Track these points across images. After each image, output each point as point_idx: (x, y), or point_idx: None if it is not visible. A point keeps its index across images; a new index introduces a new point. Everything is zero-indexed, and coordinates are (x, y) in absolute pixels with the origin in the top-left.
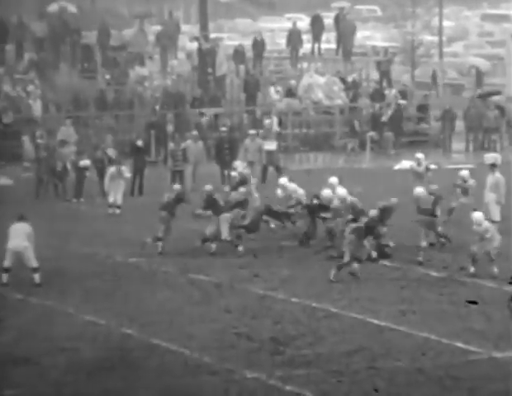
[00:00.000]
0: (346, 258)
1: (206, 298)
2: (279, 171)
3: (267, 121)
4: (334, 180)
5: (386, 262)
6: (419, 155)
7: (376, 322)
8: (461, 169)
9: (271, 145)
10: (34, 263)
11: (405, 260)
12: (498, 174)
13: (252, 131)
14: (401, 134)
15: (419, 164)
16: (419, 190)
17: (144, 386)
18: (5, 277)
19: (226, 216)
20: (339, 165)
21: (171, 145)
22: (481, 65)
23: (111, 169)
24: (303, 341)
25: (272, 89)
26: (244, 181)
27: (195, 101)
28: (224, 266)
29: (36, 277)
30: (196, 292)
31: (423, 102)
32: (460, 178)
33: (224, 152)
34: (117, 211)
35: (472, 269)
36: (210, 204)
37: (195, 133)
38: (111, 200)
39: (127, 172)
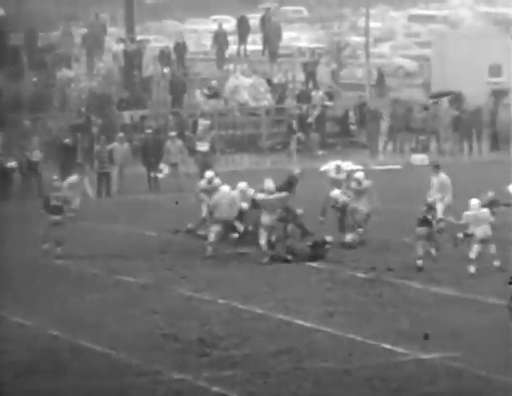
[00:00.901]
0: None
1: (132, 299)
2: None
3: (205, 122)
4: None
5: (313, 264)
6: (338, 162)
7: (302, 323)
8: (356, 171)
9: (203, 146)
10: None
11: (332, 261)
12: (443, 174)
13: (172, 133)
14: (327, 136)
15: (338, 172)
16: (336, 192)
17: (71, 388)
18: None
19: None
20: (266, 166)
21: (97, 147)
22: (407, 66)
23: (73, 177)
24: (230, 342)
25: (198, 91)
26: None
27: (121, 103)
28: (150, 267)
29: None
30: (123, 293)
31: (360, 102)
32: (355, 180)
33: (149, 154)
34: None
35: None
36: None
37: (121, 135)
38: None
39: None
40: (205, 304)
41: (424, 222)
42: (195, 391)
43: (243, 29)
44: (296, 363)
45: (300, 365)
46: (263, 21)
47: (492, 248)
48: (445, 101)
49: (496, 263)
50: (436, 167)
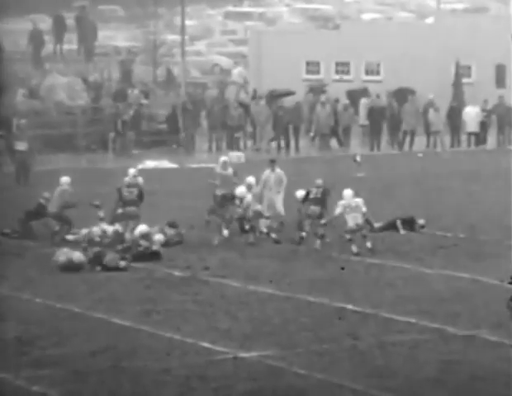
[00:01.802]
0: None
1: None
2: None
3: (21, 121)
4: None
5: (133, 264)
6: (224, 158)
7: (120, 322)
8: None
9: (21, 146)
10: None
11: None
12: (278, 170)
13: None
14: (143, 134)
15: (224, 168)
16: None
17: None
18: None
19: None
20: (83, 165)
21: None
22: (224, 63)
23: None
24: (48, 341)
25: (18, 91)
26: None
27: None
28: None
29: None
30: None
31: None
32: (129, 177)
33: None
34: None
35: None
36: None
37: None
38: None
39: None
40: (23, 303)
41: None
42: (15, 391)
43: (59, 28)
44: (115, 362)
45: (118, 363)
46: (79, 19)
47: (365, 232)
48: (263, 98)
49: (368, 244)
50: (272, 163)
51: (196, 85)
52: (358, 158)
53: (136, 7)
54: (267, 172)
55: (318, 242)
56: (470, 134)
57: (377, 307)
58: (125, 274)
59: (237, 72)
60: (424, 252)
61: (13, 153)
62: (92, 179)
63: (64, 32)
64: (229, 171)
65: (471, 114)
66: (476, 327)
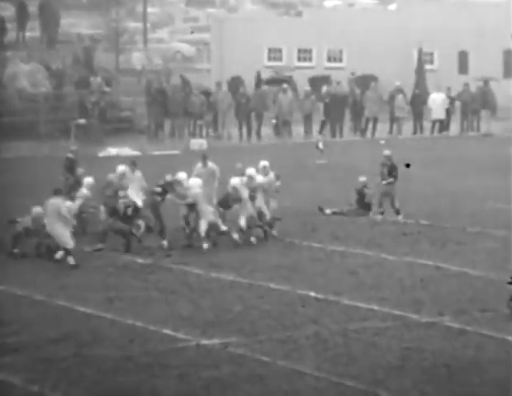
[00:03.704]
0: None
1: None
2: None
3: None
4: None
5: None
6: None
7: (82, 309)
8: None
9: None
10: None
11: (113, 248)
12: (211, 163)
13: None
14: (106, 122)
15: (204, 165)
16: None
17: None
18: None
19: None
20: (45, 153)
21: None
22: (185, 50)
23: None
24: (9, 328)
25: None
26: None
27: None
28: None
29: None
30: None
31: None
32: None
33: None
34: None
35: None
36: None
37: None
38: None
39: None
40: None
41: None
42: None
43: (21, 15)
44: (77, 349)
45: (80, 351)
46: (42, 7)
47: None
48: (224, 85)
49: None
50: (204, 158)
51: (159, 72)
52: (321, 145)
53: None
54: (199, 166)
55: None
56: (435, 121)
57: (340, 294)
58: (87, 261)
59: None
60: (387, 239)
61: None
62: (54, 166)
63: (27, 20)
64: (271, 176)
65: (438, 101)
66: (440, 314)
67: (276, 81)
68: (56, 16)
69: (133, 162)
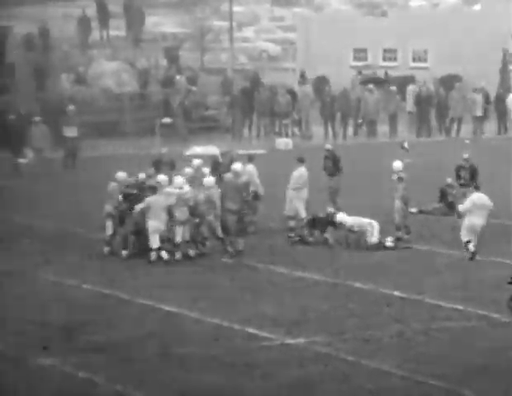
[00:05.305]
0: None
1: None
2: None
3: (70, 108)
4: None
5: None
6: (196, 162)
7: (167, 308)
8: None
9: (71, 132)
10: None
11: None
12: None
13: (36, 118)
14: (191, 120)
15: (197, 170)
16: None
17: None
18: None
19: None
20: (131, 151)
21: None
22: (271, 50)
23: None
24: (95, 327)
25: (63, 76)
26: None
27: None
28: (13, 253)
29: None
30: None
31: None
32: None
33: (13, 139)
34: None
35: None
36: None
37: None
38: None
39: None
40: (70, 290)
41: None
42: (62, 376)
43: (102, 14)
44: (162, 348)
45: (165, 350)
46: (127, 6)
47: None
48: (309, 85)
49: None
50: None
51: (245, 72)
52: (406, 145)
53: None
54: (303, 170)
55: None
56: None
57: (423, 293)
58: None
59: None
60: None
61: (62, 139)
62: (138, 165)
63: (108, 18)
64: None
65: None
66: None
67: (372, 80)
68: (141, 14)
69: (251, 157)
